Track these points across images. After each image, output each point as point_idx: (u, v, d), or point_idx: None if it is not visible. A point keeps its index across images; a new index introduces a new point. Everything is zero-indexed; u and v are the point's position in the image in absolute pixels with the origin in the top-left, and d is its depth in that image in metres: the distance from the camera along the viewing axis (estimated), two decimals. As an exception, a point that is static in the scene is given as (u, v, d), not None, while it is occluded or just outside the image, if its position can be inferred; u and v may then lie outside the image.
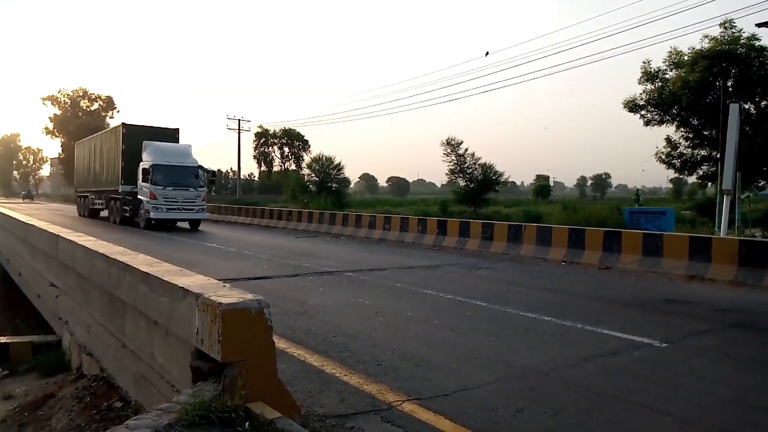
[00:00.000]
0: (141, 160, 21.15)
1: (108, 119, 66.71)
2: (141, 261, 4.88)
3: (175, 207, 20.60)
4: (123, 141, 22.29)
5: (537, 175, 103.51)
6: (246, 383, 3.03)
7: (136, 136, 22.16)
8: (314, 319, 6.60)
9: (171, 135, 23.46)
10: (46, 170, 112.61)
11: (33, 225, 9.86)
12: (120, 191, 22.34)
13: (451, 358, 5.15)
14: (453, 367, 4.85)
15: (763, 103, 21.33)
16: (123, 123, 23.18)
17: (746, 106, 20.75)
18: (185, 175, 21.31)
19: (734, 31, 20.83)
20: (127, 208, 22.20)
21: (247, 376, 3.07)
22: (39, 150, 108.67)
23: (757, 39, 20.44)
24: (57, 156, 74.49)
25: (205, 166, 22.73)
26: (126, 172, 22.02)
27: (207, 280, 3.91)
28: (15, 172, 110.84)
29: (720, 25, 21.12)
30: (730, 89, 20.74)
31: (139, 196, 21.11)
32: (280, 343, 5.02)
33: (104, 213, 26.48)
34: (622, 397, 4.23)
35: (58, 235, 7.58)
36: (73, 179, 65.97)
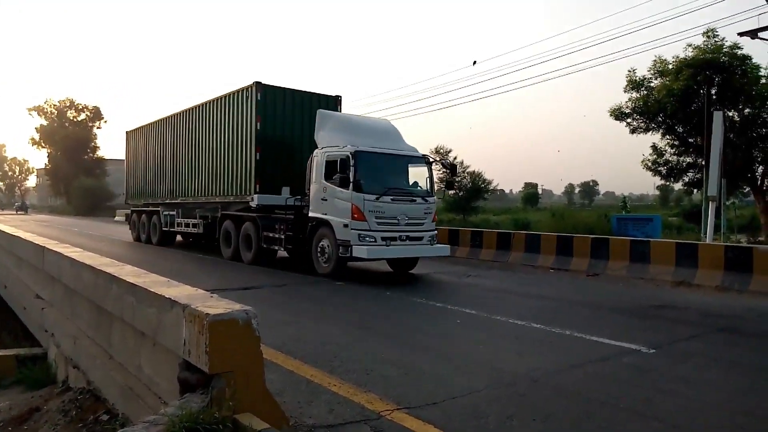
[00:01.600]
0: (312, 148, 11.73)
1: (95, 129, 66.39)
2: (128, 272, 4.84)
3: (396, 234, 10.58)
4: (257, 114, 12.74)
5: (525, 183, 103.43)
6: (234, 394, 3.01)
7: (278, 106, 13.05)
8: (303, 328, 6.58)
9: (331, 108, 13.59)
10: (32, 181, 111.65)
11: (19, 236, 9.75)
12: (254, 205, 12.81)
13: (440, 365, 5.15)
14: (443, 375, 4.85)
15: (746, 110, 21.61)
16: (256, 82, 12.85)
17: (730, 114, 21.03)
18: (403, 173, 11.55)
19: (717, 40, 21.16)
20: (276, 236, 12.28)
21: (235, 387, 3.04)
22: (25, 161, 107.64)
23: (739, 48, 20.75)
24: (44, 167, 73.83)
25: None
26: (262, 171, 12.80)
27: (194, 291, 3.87)
28: (1, 183, 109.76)
29: (703, 34, 21.44)
30: (714, 97, 21.02)
31: (312, 214, 11.20)
32: (269, 354, 4.99)
33: (180, 237, 18.07)
34: (611, 402, 4.25)
35: (44, 247, 7.51)
36: (59, 190, 65.82)
